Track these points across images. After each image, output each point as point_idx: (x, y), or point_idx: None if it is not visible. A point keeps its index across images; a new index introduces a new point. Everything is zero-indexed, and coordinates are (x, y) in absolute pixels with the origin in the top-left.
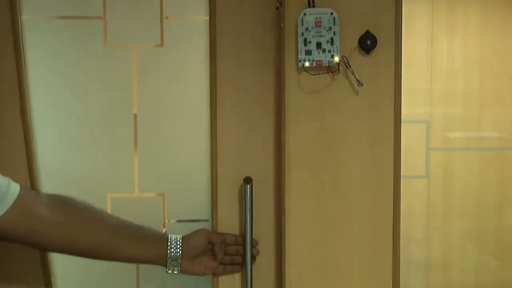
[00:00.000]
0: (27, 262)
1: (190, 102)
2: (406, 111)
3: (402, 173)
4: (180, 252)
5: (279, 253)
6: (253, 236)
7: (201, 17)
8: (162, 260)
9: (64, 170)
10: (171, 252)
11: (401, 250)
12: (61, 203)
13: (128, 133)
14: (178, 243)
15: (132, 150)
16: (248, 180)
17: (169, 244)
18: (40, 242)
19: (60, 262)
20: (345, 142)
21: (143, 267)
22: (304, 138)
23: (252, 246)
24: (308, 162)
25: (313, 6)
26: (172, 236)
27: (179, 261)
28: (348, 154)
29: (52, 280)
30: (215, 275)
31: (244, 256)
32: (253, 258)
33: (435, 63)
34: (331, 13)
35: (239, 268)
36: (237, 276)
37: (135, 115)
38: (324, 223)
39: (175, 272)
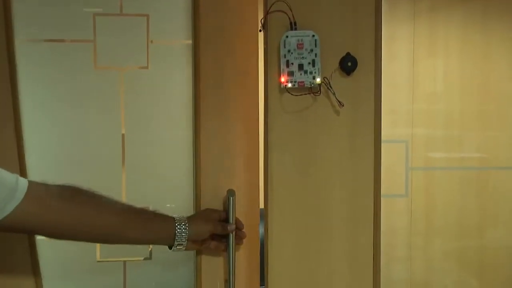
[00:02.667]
0: (15, 252)
1: (175, 120)
2: (388, 131)
3: (382, 192)
4: (187, 236)
5: (261, 266)
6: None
7: (185, 41)
8: (169, 241)
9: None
10: (179, 235)
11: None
12: (71, 192)
13: (116, 151)
14: (185, 225)
15: (120, 167)
16: (231, 193)
17: (176, 225)
18: (52, 231)
19: (47, 252)
20: (326, 161)
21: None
22: (286, 158)
23: (238, 236)
24: (290, 180)
25: (295, 29)
26: (177, 218)
27: (185, 243)
28: (329, 173)
29: (40, 269)
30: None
31: (229, 272)
32: (240, 239)
33: (416, 84)
34: (313, 36)
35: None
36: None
37: (123, 135)
38: (305, 240)
39: (180, 250)
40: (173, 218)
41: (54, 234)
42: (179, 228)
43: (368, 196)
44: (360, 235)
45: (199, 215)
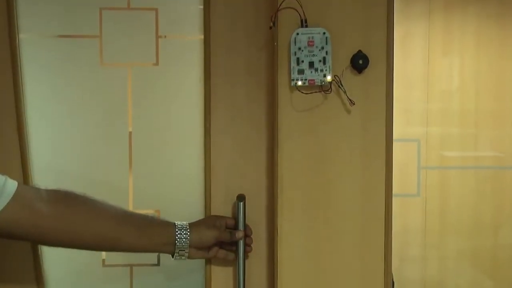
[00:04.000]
0: (19, 260)
1: (184, 120)
2: (402, 130)
3: (395, 191)
4: (188, 242)
5: (272, 273)
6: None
7: (196, 37)
8: (170, 248)
9: (59, 186)
10: (179, 241)
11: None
12: (63, 197)
13: (123, 150)
14: (186, 231)
15: (127, 167)
16: (241, 198)
17: (177, 231)
18: (43, 238)
19: (52, 261)
20: (337, 160)
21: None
22: (296, 157)
23: (247, 244)
24: (301, 180)
25: (306, 26)
26: (179, 224)
27: (187, 250)
28: (340, 173)
29: (44, 279)
30: (213, 258)
31: (238, 275)
32: (248, 246)
33: (431, 82)
34: (324, 33)
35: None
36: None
37: (130, 133)
38: (316, 241)
39: (182, 259)
40: (174, 224)
41: (45, 240)
42: (179, 234)
43: (380, 195)
44: (371, 234)
45: (203, 221)
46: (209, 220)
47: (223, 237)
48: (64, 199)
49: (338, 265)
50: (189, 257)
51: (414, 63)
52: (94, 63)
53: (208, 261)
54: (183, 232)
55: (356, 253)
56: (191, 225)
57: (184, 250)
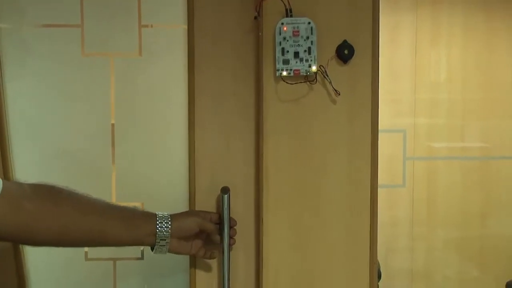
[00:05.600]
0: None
1: (168, 112)
2: (390, 121)
3: (381, 182)
4: (170, 231)
5: (258, 264)
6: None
7: (180, 26)
8: (151, 239)
9: (41, 179)
10: (160, 229)
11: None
12: (47, 192)
13: (105, 142)
14: (167, 221)
15: (110, 160)
16: (225, 190)
17: (158, 221)
18: (32, 236)
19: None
20: (323, 150)
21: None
22: (281, 147)
23: (230, 236)
24: (286, 171)
25: (291, 16)
26: (160, 214)
27: (168, 240)
28: (326, 163)
29: (25, 273)
30: (197, 256)
31: (222, 268)
32: (231, 238)
33: (419, 74)
34: (309, 23)
35: (218, 253)
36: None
37: (112, 125)
38: (302, 232)
39: (163, 252)
40: (155, 214)
41: (30, 238)
42: (160, 223)
43: (365, 185)
44: (357, 225)
45: (185, 211)
46: (190, 211)
47: (206, 226)
48: (49, 195)
49: (323, 256)
50: (170, 250)
51: (402, 55)
52: (75, 53)
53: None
54: (164, 221)
55: (342, 244)
56: (173, 215)
57: (165, 240)
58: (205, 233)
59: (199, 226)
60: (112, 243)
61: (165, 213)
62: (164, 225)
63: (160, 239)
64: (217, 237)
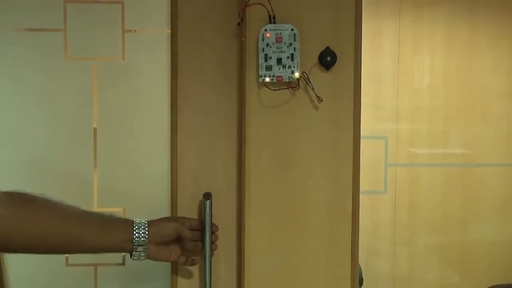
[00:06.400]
0: None
1: (151, 117)
2: (372, 127)
3: (363, 188)
4: (147, 236)
5: (239, 269)
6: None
7: (163, 31)
8: (128, 245)
9: (21, 184)
10: (137, 236)
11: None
12: (21, 200)
13: (87, 147)
14: (144, 227)
15: (91, 164)
16: (207, 196)
17: (135, 228)
18: (5, 242)
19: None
20: (305, 157)
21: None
22: (264, 153)
23: (212, 241)
24: (268, 177)
25: (274, 22)
26: (137, 220)
27: (145, 246)
28: (308, 169)
29: (5, 279)
30: (178, 263)
31: (204, 273)
32: (213, 243)
33: (401, 80)
34: (292, 29)
35: (199, 260)
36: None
37: (95, 129)
38: (283, 238)
39: (141, 258)
40: (132, 221)
41: (6, 247)
42: (137, 229)
43: (347, 191)
44: (339, 230)
45: (162, 217)
46: (170, 217)
47: (183, 232)
48: (23, 202)
49: (305, 261)
50: (149, 256)
51: (384, 61)
52: (58, 57)
53: None
54: (141, 227)
55: (323, 249)
56: (150, 221)
57: (142, 246)
58: (189, 244)
59: (176, 231)
60: (88, 250)
61: (143, 220)
62: (141, 231)
63: (137, 245)
64: (192, 244)
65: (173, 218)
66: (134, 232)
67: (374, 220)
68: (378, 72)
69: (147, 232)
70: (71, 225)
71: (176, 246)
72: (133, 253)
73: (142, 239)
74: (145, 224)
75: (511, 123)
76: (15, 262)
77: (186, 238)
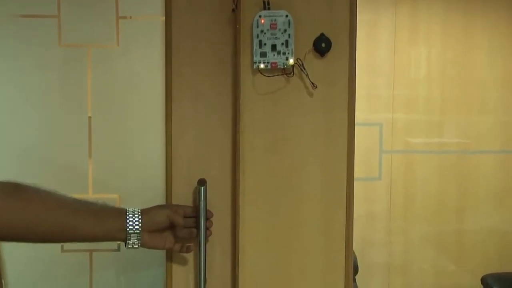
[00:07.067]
0: None
1: (146, 103)
2: (368, 116)
3: (357, 175)
4: (140, 224)
5: (234, 256)
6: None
7: (157, 18)
8: (122, 234)
9: (16, 173)
10: (130, 224)
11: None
12: (13, 189)
13: (82, 135)
14: (137, 215)
15: (86, 152)
16: (202, 182)
17: (128, 216)
18: None
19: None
20: (299, 144)
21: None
22: (258, 139)
23: (207, 228)
24: (263, 164)
25: (269, 9)
26: (130, 209)
27: (139, 234)
28: (302, 156)
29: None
30: (172, 250)
31: (199, 261)
32: (207, 230)
33: (397, 70)
34: (286, 16)
35: (194, 247)
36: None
37: (89, 118)
38: (278, 225)
39: (135, 246)
40: (125, 209)
41: (2, 235)
42: (131, 218)
43: (341, 178)
44: (333, 217)
45: (156, 205)
46: (163, 204)
47: (176, 220)
48: (15, 192)
49: (299, 248)
50: (142, 245)
51: (381, 51)
52: (52, 43)
53: None
54: (134, 216)
55: (318, 235)
56: (144, 209)
57: (136, 234)
58: (181, 231)
59: (169, 219)
60: (81, 239)
61: (136, 208)
62: (134, 219)
63: (131, 234)
64: (186, 231)
65: (166, 205)
66: (128, 221)
67: (369, 206)
68: (374, 63)
69: (140, 221)
70: (63, 215)
71: (170, 233)
72: (127, 241)
73: (135, 227)
74: (139, 212)
75: (506, 112)
76: (10, 249)
77: (179, 226)
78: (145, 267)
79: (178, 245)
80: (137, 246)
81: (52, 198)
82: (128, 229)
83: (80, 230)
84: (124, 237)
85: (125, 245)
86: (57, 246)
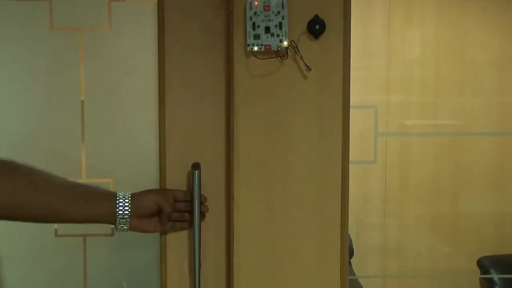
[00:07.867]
0: None
1: (138, 87)
2: (363, 98)
3: (353, 158)
4: (129, 209)
5: (228, 239)
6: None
7: (150, 1)
8: (111, 218)
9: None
10: (120, 209)
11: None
12: (3, 168)
13: (75, 118)
14: (127, 200)
15: (79, 136)
16: (196, 166)
17: (117, 201)
18: None
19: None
20: (294, 126)
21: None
22: (252, 122)
23: (201, 209)
24: (257, 146)
25: None
26: (121, 194)
27: (128, 219)
28: (297, 139)
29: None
30: (163, 233)
31: (194, 245)
32: (202, 215)
33: (392, 51)
34: None
35: (187, 225)
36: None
37: (82, 101)
38: (272, 208)
39: (124, 230)
40: (115, 193)
41: None
42: (120, 203)
43: (336, 161)
44: (328, 201)
45: (146, 190)
46: (153, 189)
47: (163, 206)
48: (5, 170)
49: (294, 231)
50: (131, 229)
51: (375, 32)
52: (43, 27)
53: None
54: (125, 201)
55: (313, 219)
56: (133, 194)
57: (124, 219)
58: (171, 215)
59: (157, 204)
60: (69, 221)
61: (126, 193)
62: (124, 204)
63: (120, 219)
64: (178, 215)
65: (155, 190)
66: (117, 206)
67: (365, 190)
68: (369, 44)
69: (129, 205)
70: (51, 198)
71: (158, 218)
72: (116, 225)
73: (125, 212)
74: (128, 197)
75: (501, 93)
76: (3, 233)
77: (166, 212)
78: (139, 251)
79: (170, 223)
80: (126, 229)
81: (42, 179)
82: (117, 214)
83: (66, 214)
84: (113, 221)
85: (115, 229)
86: (51, 230)
